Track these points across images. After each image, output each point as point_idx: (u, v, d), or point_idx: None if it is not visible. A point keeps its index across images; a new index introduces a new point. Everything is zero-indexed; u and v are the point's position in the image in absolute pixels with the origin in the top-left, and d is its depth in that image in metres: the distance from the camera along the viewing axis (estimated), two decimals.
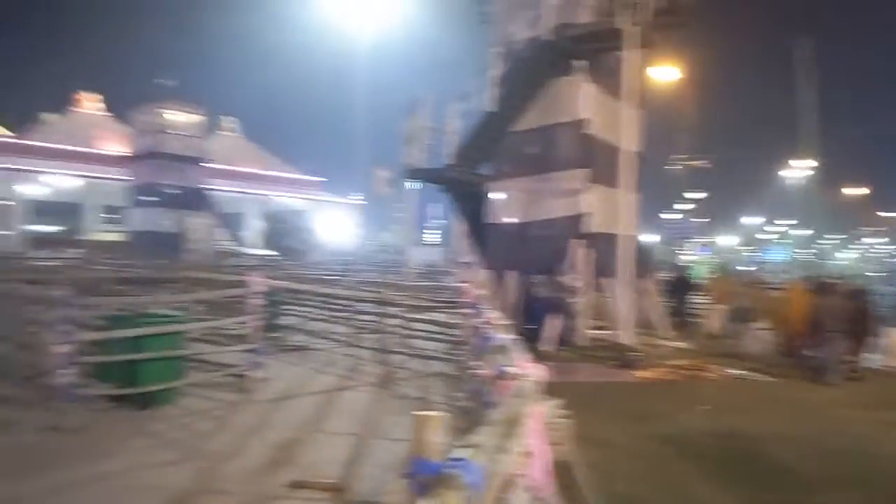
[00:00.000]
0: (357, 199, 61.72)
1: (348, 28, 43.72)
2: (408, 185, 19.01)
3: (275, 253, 43.21)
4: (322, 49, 78.26)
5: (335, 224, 58.67)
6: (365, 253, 45.15)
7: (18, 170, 46.32)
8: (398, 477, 5.27)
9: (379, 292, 13.01)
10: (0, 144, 48.70)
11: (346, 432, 6.48)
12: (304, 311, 13.08)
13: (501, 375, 3.09)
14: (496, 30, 16.69)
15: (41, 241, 45.34)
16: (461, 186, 16.05)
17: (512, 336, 4.62)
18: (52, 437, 5.93)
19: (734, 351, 13.36)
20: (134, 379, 6.97)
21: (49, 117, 55.97)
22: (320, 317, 12.73)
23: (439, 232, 74.45)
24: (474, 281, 13.67)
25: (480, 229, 16.40)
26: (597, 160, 14.71)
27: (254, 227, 57.62)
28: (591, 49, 14.87)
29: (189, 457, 5.59)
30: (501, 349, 3.95)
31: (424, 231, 71.61)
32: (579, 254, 14.06)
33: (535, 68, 15.08)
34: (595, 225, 14.48)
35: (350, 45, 48.10)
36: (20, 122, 55.14)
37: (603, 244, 14.50)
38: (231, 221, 51.71)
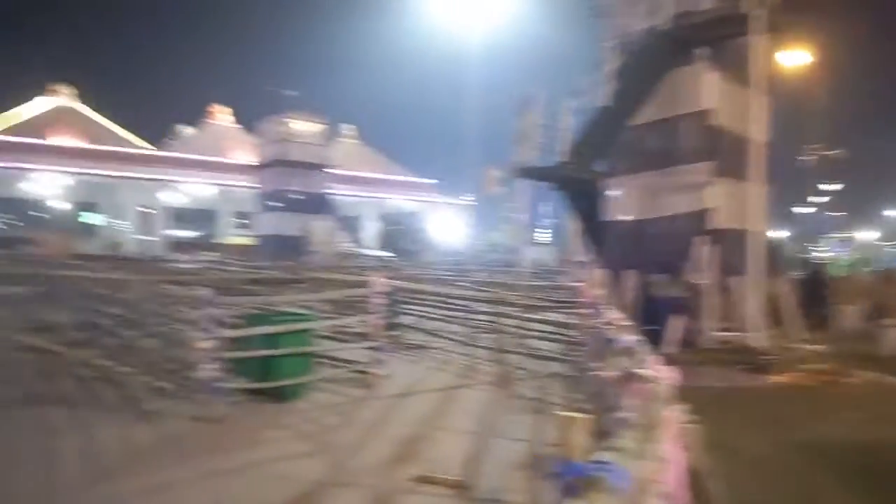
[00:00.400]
0: (468, 199, 62.24)
1: (459, 29, 44.14)
2: (519, 184, 18.93)
3: (390, 254, 44.46)
4: (433, 51, 79.61)
5: (447, 225, 59.51)
6: (476, 253, 45.45)
7: (159, 180, 50.51)
8: (521, 476, 5.29)
9: (493, 292, 13.05)
10: (142, 157, 53.43)
11: (466, 430, 6.55)
12: (420, 311, 13.36)
13: (630, 378, 3.02)
14: (610, 23, 16.27)
15: (180, 245, 49.34)
16: (575, 184, 15.78)
17: (637, 337, 4.50)
18: (198, 427, 6.42)
19: (874, 353, 12.29)
20: (269, 374, 7.41)
21: (185, 130, 60.78)
22: (436, 316, 12.95)
23: (550, 231, 73.63)
24: (591, 280, 13.41)
25: (596, 227, 16.05)
26: (723, 152, 13.99)
27: (371, 229, 59.62)
28: (714, 36, 14.16)
29: (321, 449, 5.88)
30: (628, 351, 3.85)
31: (536, 230, 71.06)
32: (704, 251, 13.43)
33: (653, 59, 14.56)
34: (721, 220, 13.78)
35: (461, 45, 48.53)
36: (159, 135, 60.30)
37: (730, 241, 13.76)
38: (350, 224, 53.77)
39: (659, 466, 2.20)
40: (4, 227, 53.46)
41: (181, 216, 56.90)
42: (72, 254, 33.87)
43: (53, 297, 15.00)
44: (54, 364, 8.98)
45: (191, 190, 52.53)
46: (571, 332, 9.52)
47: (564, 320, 10.26)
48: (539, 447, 5.91)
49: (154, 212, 52.06)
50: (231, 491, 4.91)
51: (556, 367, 9.33)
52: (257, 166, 48.40)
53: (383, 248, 50.62)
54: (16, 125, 51.37)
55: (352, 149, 63.10)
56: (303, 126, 46.53)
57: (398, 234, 53.93)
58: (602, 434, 2.08)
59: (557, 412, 1.70)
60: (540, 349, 10.15)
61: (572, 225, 18.22)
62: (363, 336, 9.03)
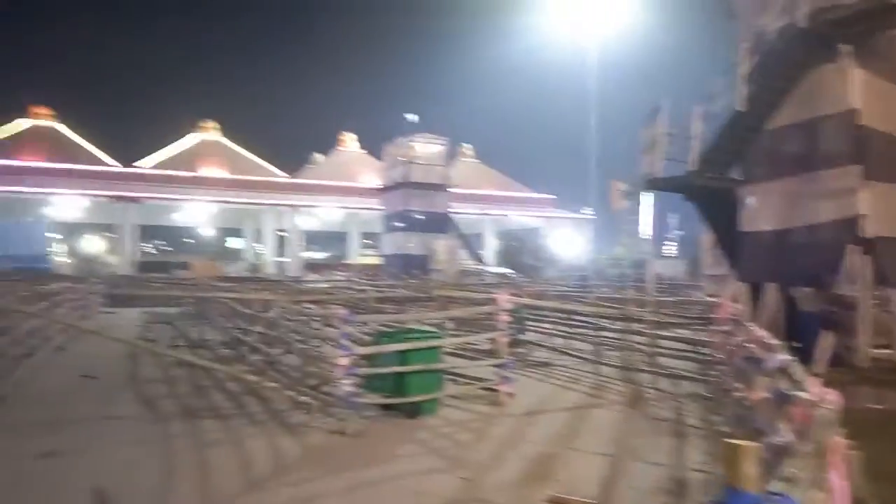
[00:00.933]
0: (588, 213, 61.07)
1: (578, 41, 43.60)
2: (645, 195, 18.32)
3: (511, 271, 44.43)
4: (552, 66, 79.29)
5: (568, 240, 58.66)
6: (599, 268, 44.43)
7: (294, 205, 53.73)
8: (662, 501, 5.07)
9: (620, 308, 12.69)
10: (279, 185, 57.05)
11: (598, 451, 6.38)
12: (545, 328, 13.23)
13: (785, 401, 2.82)
14: (743, 23, 15.43)
15: (314, 265, 52.14)
16: (708, 193, 15.03)
17: (787, 356, 4.20)
18: (337, 440, 6.70)
19: None
20: (400, 389, 7.62)
21: (317, 158, 64.37)
22: (561, 333, 12.78)
23: (677, 244, 70.67)
24: (727, 295, 12.69)
25: (731, 239, 15.17)
26: (872, 154, 12.78)
27: (492, 246, 59.95)
28: (859, 31, 13.04)
29: (454, 465, 5.94)
30: (780, 371, 3.59)
31: (663, 243, 68.35)
32: (855, 261, 12.31)
33: (790, 59, 13.63)
34: (874, 228, 12.59)
35: (580, 58, 47.95)
36: (295, 163, 64.20)
37: (885, 249, 12.52)
38: (472, 242, 54.38)
39: (827, 497, 2.03)
40: (156, 253, 58.86)
41: (314, 238, 60.19)
42: (218, 276, 36.65)
43: (204, 317, 16.33)
44: (207, 379, 9.73)
45: (322, 213, 55.42)
46: (707, 350, 9.08)
47: (698, 337, 9.80)
48: (680, 472, 5.65)
49: (290, 235, 55.33)
50: None
51: (691, 386, 8.92)
52: (382, 189, 50.22)
53: (504, 264, 50.69)
54: (168, 159, 56.74)
55: (471, 167, 63.97)
56: (424, 148, 47.82)
57: (519, 250, 53.88)
58: (760, 462, 1.95)
59: (723, 438, 1.62)
60: (672, 368, 9.74)
61: (704, 237, 17.36)
62: (489, 353, 9.08)
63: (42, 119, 54.21)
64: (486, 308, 9.32)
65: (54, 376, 10.37)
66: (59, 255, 51.36)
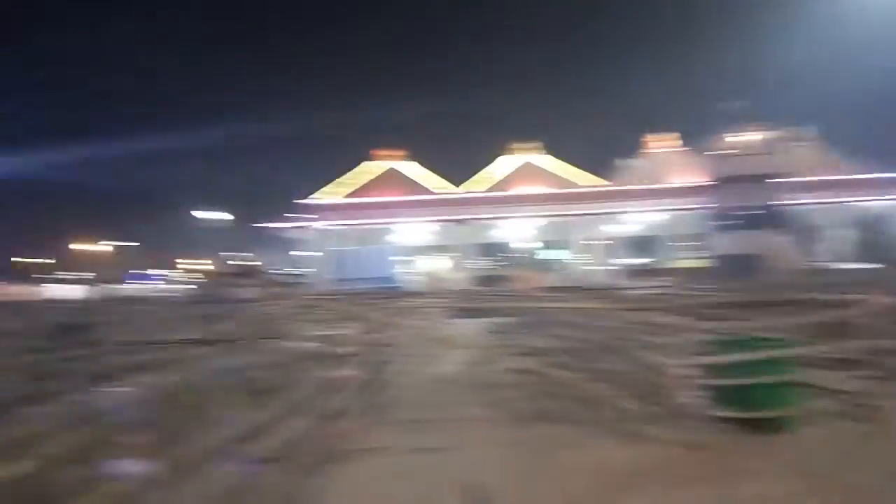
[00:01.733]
0: None
1: None
2: None
3: (873, 265, 37.93)
4: None
5: None
6: None
7: (610, 212, 53.90)
8: None
9: None
10: (596, 194, 57.70)
11: None
12: None
13: None
14: None
15: (636, 271, 51.38)
16: None
17: None
18: (680, 453, 6.41)
19: None
20: (746, 402, 6.99)
21: (623, 162, 63.61)
22: None
23: None
24: None
25: None
26: None
27: (844, 238, 51.99)
28: None
29: (824, 489, 5.24)
30: None
31: None
32: None
33: None
34: None
35: None
36: (606, 171, 64.33)
37: None
38: (815, 236, 48.04)
39: None
40: (487, 267, 64.07)
41: (631, 244, 59.42)
42: (542, 287, 38.31)
43: (536, 326, 17.14)
44: (544, 385, 10.13)
45: (640, 218, 54.48)
46: None
47: None
48: None
49: (608, 242, 55.46)
50: None
51: None
52: (706, 186, 47.37)
53: (861, 258, 43.48)
54: (498, 182, 62.96)
55: (811, 153, 56.49)
56: (751, 138, 43.93)
57: (881, 241, 45.70)
58: None
59: None
60: None
61: None
62: (858, 363, 7.83)
63: (384, 160, 64.84)
64: (848, 312, 8.08)
65: (414, 380, 11.84)
66: (407, 274, 58.99)
